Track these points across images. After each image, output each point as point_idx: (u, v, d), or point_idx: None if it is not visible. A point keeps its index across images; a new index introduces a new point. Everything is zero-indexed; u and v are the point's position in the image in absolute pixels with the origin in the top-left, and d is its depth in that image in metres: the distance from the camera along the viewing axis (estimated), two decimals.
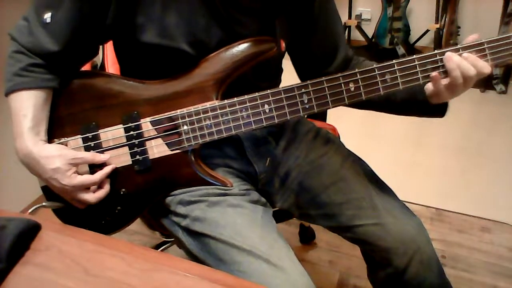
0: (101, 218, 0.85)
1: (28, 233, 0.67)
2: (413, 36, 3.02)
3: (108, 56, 1.23)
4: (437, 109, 0.84)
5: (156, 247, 1.45)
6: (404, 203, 0.92)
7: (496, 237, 1.65)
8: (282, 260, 0.73)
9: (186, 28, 0.77)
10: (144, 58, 0.82)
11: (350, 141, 1.14)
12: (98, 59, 1.25)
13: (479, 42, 0.76)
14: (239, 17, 0.80)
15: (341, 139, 1.07)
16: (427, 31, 2.92)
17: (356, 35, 3.21)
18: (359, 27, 3.11)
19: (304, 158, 0.96)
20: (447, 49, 0.76)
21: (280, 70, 0.97)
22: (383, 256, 0.87)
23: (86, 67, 1.16)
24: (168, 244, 1.45)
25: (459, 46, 0.76)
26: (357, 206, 0.88)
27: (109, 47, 1.23)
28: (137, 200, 0.85)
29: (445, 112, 0.85)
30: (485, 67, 0.75)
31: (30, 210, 0.78)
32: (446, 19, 2.80)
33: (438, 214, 1.78)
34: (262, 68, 0.85)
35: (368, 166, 0.97)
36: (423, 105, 0.83)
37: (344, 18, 3.14)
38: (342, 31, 0.98)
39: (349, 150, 1.00)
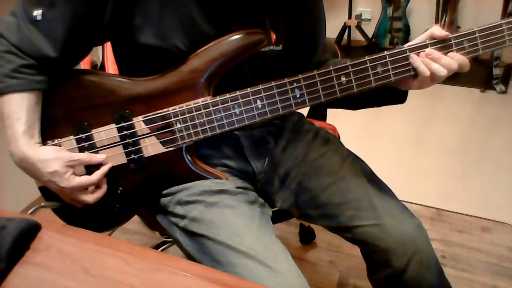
0: (100, 216, 0.86)
1: (28, 233, 0.67)
2: (413, 36, 3.01)
3: (108, 56, 1.22)
4: (398, 95, 0.85)
5: (156, 247, 1.45)
6: (404, 203, 0.91)
7: (496, 237, 1.65)
8: (278, 262, 0.73)
9: (184, 29, 0.78)
10: (141, 58, 0.82)
11: (350, 141, 1.14)
12: (98, 59, 1.25)
13: (471, 30, 0.76)
14: (235, 17, 0.80)
15: (341, 139, 1.07)
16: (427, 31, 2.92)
17: (356, 35, 3.21)
18: (359, 27, 3.11)
19: (303, 158, 0.96)
20: (438, 40, 0.77)
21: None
22: (382, 256, 0.87)
23: (86, 67, 1.17)
24: (168, 244, 1.45)
25: (452, 35, 0.77)
26: (356, 207, 0.88)
27: (109, 47, 1.23)
28: (135, 198, 0.85)
29: (405, 99, 0.85)
30: (452, 64, 0.75)
31: (29, 212, 0.78)
32: (446, 19, 2.80)
33: (438, 214, 1.78)
34: (261, 67, 0.85)
35: (368, 166, 0.97)
36: (387, 91, 0.83)
37: (344, 18, 3.14)
38: (324, 34, 0.98)
39: (348, 150, 1.00)
